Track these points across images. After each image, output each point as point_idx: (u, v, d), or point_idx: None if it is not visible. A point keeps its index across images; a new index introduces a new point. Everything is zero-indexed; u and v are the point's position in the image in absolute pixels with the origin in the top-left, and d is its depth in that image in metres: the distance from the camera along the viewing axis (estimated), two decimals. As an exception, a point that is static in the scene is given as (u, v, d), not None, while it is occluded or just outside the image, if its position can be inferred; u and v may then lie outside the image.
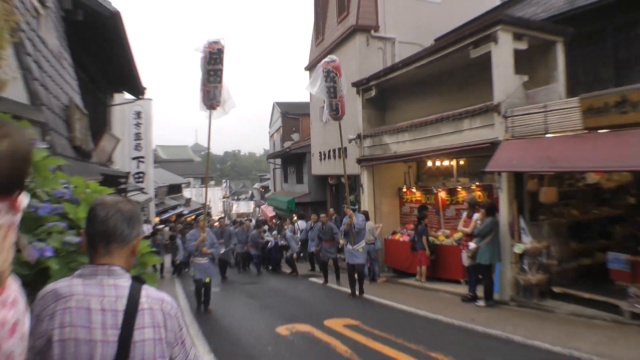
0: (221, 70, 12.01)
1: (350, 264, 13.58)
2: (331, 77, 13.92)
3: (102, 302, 2.14)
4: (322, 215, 17.19)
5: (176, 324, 2.34)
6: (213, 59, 11.90)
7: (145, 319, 2.20)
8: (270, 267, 22.36)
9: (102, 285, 2.19)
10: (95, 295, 2.15)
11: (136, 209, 2.43)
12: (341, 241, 15.09)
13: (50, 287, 2.19)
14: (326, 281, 16.40)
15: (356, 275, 13.73)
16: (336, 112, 14.15)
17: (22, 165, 1.47)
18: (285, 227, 23.90)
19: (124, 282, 2.24)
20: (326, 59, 14.20)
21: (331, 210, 21.22)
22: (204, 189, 74.11)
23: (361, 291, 13.46)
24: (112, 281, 2.21)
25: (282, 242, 21.73)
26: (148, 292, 2.29)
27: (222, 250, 18.11)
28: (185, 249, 14.65)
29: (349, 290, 13.82)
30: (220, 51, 11.98)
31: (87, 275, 2.21)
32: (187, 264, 20.70)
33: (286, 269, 21.00)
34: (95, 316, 2.11)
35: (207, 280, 12.34)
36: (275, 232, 22.21)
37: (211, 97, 11.94)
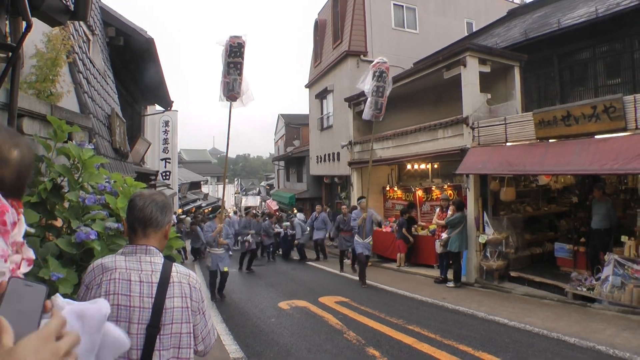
0: (241, 63, 10.78)
1: (365, 255, 12.23)
2: (383, 78, 12.76)
3: (140, 275, 2.21)
4: (344, 207, 16.23)
5: (199, 295, 2.40)
6: (233, 52, 10.70)
7: (174, 290, 2.26)
8: (281, 254, 20.24)
9: (140, 261, 2.25)
10: (134, 269, 2.22)
11: (168, 200, 2.49)
12: (357, 238, 13.61)
13: (98, 261, 2.26)
14: (342, 269, 14.71)
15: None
16: (379, 111, 12.85)
17: (27, 173, 1.43)
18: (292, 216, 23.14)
19: (158, 259, 2.30)
20: (378, 59, 13.06)
21: (318, 207, 19.38)
22: (219, 185, 73.93)
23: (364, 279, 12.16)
24: (148, 258, 2.28)
25: (292, 232, 19.53)
26: (177, 268, 2.35)
27: (251, 239, 16.33)
28: (206, 239, 11.69)
29: (356, 278, 12.75)
30: (240, 45, 10.76)
31: (128, 253, 2.28)
32: (202, 251, 19.62)
33: (295, 256, 19.41)
34: (134, 286, 2.17)
35: (225, 269, 10.93)
36: (286, 224, 20.06)
37: (230, 88, 10.65)
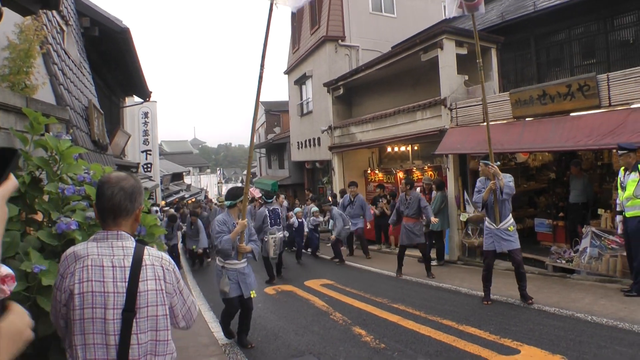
0: None
1: (512, 249, 7.67)
2: None
3: (113, 260, 2.21)
4: (405, 185, 10.99)
5: (174, 277, 2.41)
6: None
7: (147, 273, 2.27)
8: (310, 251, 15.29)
9: (112, 247, 2.25)
10: (106, 255, 2.22)
11: (137, 183, 2.46)
12: (433, 219, 10.55)
13: (70, 250, 2.27)
14: (400, 272, 10.70)
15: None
16: None
17: None
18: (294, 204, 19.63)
19: (130, 243, 2.30)
20: None
21: (351, 188, 14.26)
22: (202, 175, 73.39)
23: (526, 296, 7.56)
24: (120, 243, 2.27)
25: (315, 222, 14.97)
26: (150, 251, 2.35)
27: (280, 235, 11.16)
28: (217, 245, 6.57)
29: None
30: None
31: (100, 239, 2.28)
32: (208, 254, 15.58)
33: (325, 255, 14.84)
34: (107, 272, 2.18)
35: (252, 294, 6.49)
36: (298, 210, 14.86)
37: None
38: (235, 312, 6.64)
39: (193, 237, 14.46)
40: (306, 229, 14.50)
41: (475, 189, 7.97)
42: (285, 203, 15.80)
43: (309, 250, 15.43)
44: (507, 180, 7.61)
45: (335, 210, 13.88)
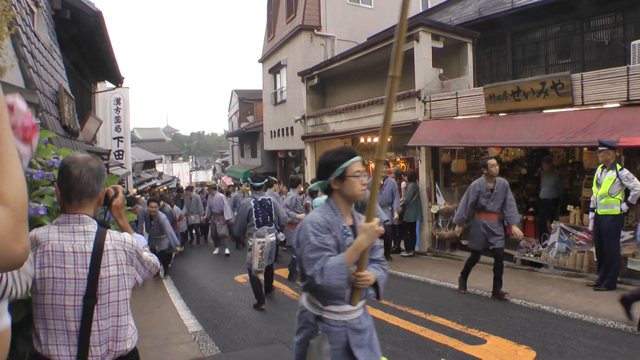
0: None
1: None
2: None
3: (74, 245, 2.19)
4: (491, 162, 7.86)
5: (135, 255, 2.42)
6: None
7: (109, 258, 2.26)
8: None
9: (73, 232, 2.22)
10: (68, 240, 2.19)
11: (101, 165, 2.44)
12: (515, 229, 7.69)
13: (32, 233, 2.21)
14: (465, 285, 8.17)
15: None
16: None
17: None
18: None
19: (92, 227, 2.27)
20: None
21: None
22: (174, 163, 72.68)
23: None
24: (82, 227, 2.24)
25: None
26: (112, 235, 2.33)
27: (272, 238, 7.93)
28: (312, 275, 2.55)
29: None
30: None
31: (62, 223, 2.24)
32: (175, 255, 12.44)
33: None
34: (68, 258, 2.16)
35: None
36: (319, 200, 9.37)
37: None
38: None
39: (155, 234, 10.54)
40: None
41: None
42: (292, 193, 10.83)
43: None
44: None
45: (390, 183, 11.24)
